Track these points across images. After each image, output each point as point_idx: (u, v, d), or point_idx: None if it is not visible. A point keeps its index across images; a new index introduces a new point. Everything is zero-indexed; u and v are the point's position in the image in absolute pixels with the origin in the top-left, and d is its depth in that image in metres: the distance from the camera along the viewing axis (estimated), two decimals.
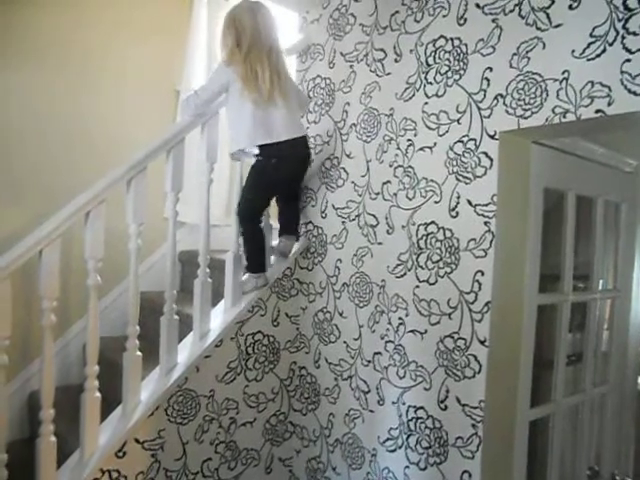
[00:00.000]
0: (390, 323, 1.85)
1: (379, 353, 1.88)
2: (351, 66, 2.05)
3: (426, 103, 1.76)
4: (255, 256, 2.05)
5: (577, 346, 2.23)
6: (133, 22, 2.76)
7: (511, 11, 1.53)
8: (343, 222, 2.04)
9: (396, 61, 1.87)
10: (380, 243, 1.90)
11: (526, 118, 1.49)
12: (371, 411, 1.90)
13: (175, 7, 2.93)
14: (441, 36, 1.72)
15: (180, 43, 2.92)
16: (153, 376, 1.81)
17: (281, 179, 2.03)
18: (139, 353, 1.74)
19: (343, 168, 2.06)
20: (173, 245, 1.84)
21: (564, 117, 1.41)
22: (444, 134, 1.70)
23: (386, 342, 1.86)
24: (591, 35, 1.36)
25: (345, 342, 2.02)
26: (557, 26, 1.43)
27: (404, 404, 1.79)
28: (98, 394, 1.64)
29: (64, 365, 2.48)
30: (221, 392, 1.93)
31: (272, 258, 2.15)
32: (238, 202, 2.05)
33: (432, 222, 1.72)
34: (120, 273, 2.33)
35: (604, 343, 2.36)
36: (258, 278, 2.04)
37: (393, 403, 1.83)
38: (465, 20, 1.65)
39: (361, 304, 1.96)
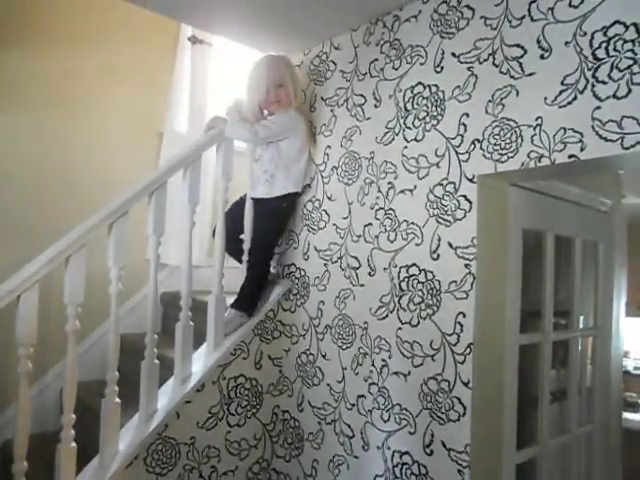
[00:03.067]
0: (373, 365, 1.83)
1: (363, 396, 1.86)
2: (332, 110, 2.09)
3: (405, 147, 1.79)
4: (252, 297, 2.06)
5: (561, 382, 2.24)
6: (118, 67, 2.80)
7: (485, 60, 1.58)
8: (325, 264, 2.05)
9: (375, 106, 1.91)
10: (362, 285, 1.90)
11: (503, 162, 1.53)
12: (356, 457, 1.87)
13: (159, 53, 2.99)
14: (419, 83, 1.77)
15: (164, 87, 2.97)
16: (132, 423, 1.76)
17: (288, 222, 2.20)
18: (118, 400, 1.69)
19: (325, 210, 2.07)
20: (155, 289, 1.82)
21: (539, 161, 1.45)
22: (424, 177, 1.72)
23: (370, 384, 1.84)
24: (562, 83, 1.41)
25: (329, 385, 1.99)
26: (530, 74, 1.48)
27: (389, 449, 1.76)
28: (74, 444, 1.58)
29: (40, 411, 2.40)
30: (202, 439, 1.88)
31: None
32: (253, 244, 2.09)
33: (413, 264, 1.73)
34: (100, 315, 2.30)
35: (588, 378, 2.36)
36: (242, 317, 2.02)
37: (378, 448, 1.79)
38: (442, 68, 1.70)
39: (344, 346, 1.95)
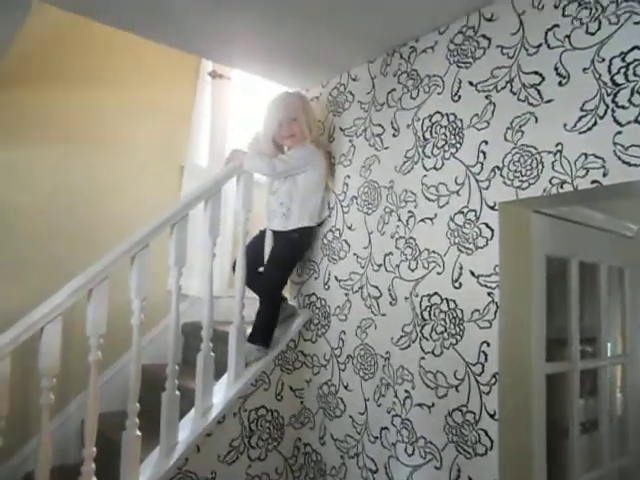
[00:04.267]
0: (396, 396, 1.80)
1: (386, 428, 1.82)
2: (350, 140, 2.10)
3: (425, 175, 1.79)
4: (267, 330, 2.05)
5: (591, 412, 2.17)
6: (139, 102, 2.87)
7: (503, 88, 1.59)
8: (346, 294, 2.03)
9: (394, 136, 1.92)
10: (384, 314, 1.88)
11: (524, 189, 1.51)
12: None
13: (180, 87, 3.06)
14: (437, 112, 1.78)
15: (185, 121, 3.03)
16: (152, 457, 1.75)
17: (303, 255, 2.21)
18: (138, 433, 1.69)
19: (345, 240, 2.07)
20: (176, 320, 1.83)
21: (561, 188, 1.43)
22: (444, 205, 1.72)
23: (393, 416, 1.80)
24: (582, 109, 1.40)
25: (351, 416, 1.96)
26: (548, 101, 1.48)
27: None
28: (94, 479, 1.57)
29: (61, 443, 2.40)
30: (223, 473, 1.85)
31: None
32: (265, 275, 2.08)
33: (435, 293, 1.71)
34: (122, 346, 2.30)
35: (619, 407, 2.29)
36: (259, 350, 2.01)
37: None
38: (459, 97, 1.71)
39: (366, 377, 1.92)
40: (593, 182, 1.37)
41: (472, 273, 1.61)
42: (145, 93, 2.89)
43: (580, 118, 1.40)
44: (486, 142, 1.62)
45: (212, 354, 1.91)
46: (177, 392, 1.80)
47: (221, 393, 1.92)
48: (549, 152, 1.46)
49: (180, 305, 1.88)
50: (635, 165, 1.29)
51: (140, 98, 2.87)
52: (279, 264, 2.10)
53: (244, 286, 2.03)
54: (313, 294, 2.19)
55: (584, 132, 1.39)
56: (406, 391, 1.77)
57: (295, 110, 2.09)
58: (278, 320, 2.09)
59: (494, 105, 1.61)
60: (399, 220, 1.86)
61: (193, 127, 3.04)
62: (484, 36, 1.66)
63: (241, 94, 3.18)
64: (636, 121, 1.30)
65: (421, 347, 1.74)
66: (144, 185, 2.85)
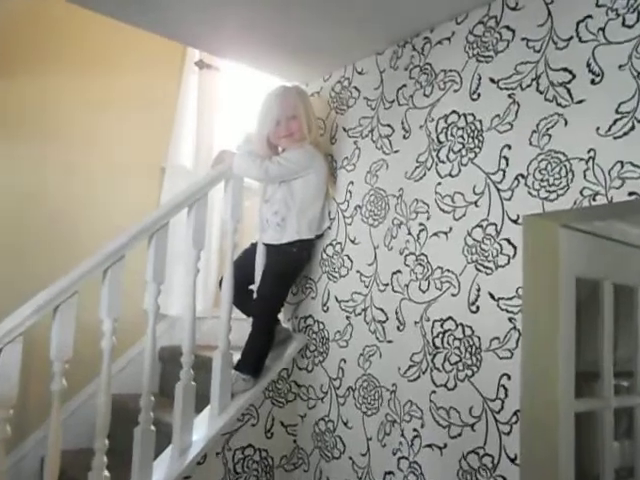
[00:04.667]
0: (403, 435, 1.79)
1: (391, 473, 1.81)
2: (355, 142, 2.12)
3: (439, 183, 1.80)
4: (258, 358, 2.04)
5: (627, 457, 2.16)
6: (116, 94, 2.88)
7: (528, 86, 1.60)
8: (347, 317, 2.03)
9: (404, 137, 1.93)
10: (390, 341, 1.88)
11: (551, 201, 1.52)
12: None
13: (161, 78, 3.06)
14: (453, 111, 1.79)
15: (166, 117, 3.04)
16: None
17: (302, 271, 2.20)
18: (107, 474, 1.68)
19: (347, 255, 2.08)
20: (153, 344, 1.82)
21: (594, 200, 1.44)
22: (460, 218, 1.72)
23: (399, 459, 1.80)
24: (617, 111, 1.41)
25: (351, 458, 1.95)
26: (579, 102, 1.49)
27: None
28: None
29: None
30: None
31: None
32: (258, 296, 2.08)
33: (449, 318, 1.71)
34: (90, 373, 2.30)
35: None
36: (247, 381, 2.00)
37: None
38: (479, 95, 1.72)
39: (369, 412, 1.91)
40: (630, 194, 1.37)
41: (491, 295, 1.61)
42: (122, 84, 2.90)
43: (615, 121, 1.41)
44: (509, 147, 1.63)
45: (193, 383, 1.90)
46: (152, 427, 1.79)
47: (202, 429, 1.91)
48: (580, 159, 1.47)
49: (158, 326, 1.88)
50: None
51: (116, 90, 2.88)
52: (274, 282, 2.10)
53: (231, 306, 2.03)
54: (310, 316, 2.19)
55: (620, 137, 1.40)
56: (415, 430, 1.76)
57: (294, 106, 2.10)
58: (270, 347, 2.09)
59: (518, 105, 1.62)
60: (409, 234, 1.87)
61: (176, 123, 3.05)
62: (507, 27, 1.67)
63: (231, 87, 3.20)
64: None
65: (432, 379, 1.73)
66: (119, 188, 2.86)
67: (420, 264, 1.82)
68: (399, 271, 1.88)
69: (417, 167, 1.88)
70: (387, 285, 1.91)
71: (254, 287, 2.13)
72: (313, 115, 2.16)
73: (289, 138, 2.10)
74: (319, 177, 2.10)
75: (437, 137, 1.83)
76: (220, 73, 3.12)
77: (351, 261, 2.06)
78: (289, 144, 2.11)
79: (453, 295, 1.71)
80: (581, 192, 1.46)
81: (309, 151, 2.09)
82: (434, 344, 1.74)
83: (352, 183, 2.10)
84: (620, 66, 1.42)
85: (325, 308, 2.13)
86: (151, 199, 2.92)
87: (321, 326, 2.14)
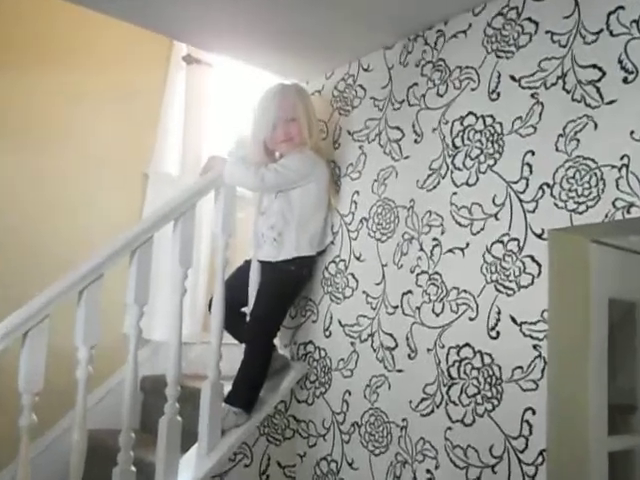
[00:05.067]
0: (415, 478, 1.80)
1: None
2: (360, 147, 2.14)
3: (455, 193, 1.82)
4: (251, 389, 2.05)
5: None
6: (95, 90, 2.91)
7: (553, 84, 1.62)
8: (352, 343, 2.05)
9: (416, 142, 1.95)
10: (400, 371, 1.89)
11: (580, 213, 1.53)
12: None
13: (145, 73, 3.09)
14: (470, 113, 1.81)
15: (150, 117, 3.06)
16: None
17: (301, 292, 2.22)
18: None
19: (352, 274, 2.09)
20: (134, 373, 1.84)
21: (628, 212, 1.45)
22: (478, 232, 1.74)
23: None
24: None
25: None
26: (610, 102, 1.51)
27: None
28: None
29: None
30: None
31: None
32: (252, 319, 2.10)
33: (466, 344, 1.72)
34: (63, 406, 2.31)
35: None
36: (238, 415, 2.01)
37: None
38: (498, 95, 1.75)
39: (377, 451, 1.92)
40: None
41: (513, 319, 1.63)
42: (101, 80, 2.93)
43: None
44: (532, 152, 1.65)
45: (179, 418, 1.91)
46: (132, 467, 1.80)
47: (189, 470, 1.92)
48: (612, 166, 1.48)
49: (139, 353, 1.89)
50: None
51: (95, 86, 2.91)
52: (270, 303, 2.11)
53: (222, 330, 2.05)
54: (310, 342, 2.21)
55: None
56: (428, 471, 1.77)
57: (293, 107, 2.12)
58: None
59: (542, 106, 1.64)
60: (421, 250, 1.88)
61: (161, 125, 3.08)
62: (530, 19, 1.70)
63: (224, 85, 3.23)
64: None
65: (447, 414, 1.74)
66: (97, 197, 2.88)
67: (434, 284, 1.83)
68: (410, 292, 1.90)
69: (430, 175, 1.90)
70: (396, 307, 1.93)
71: (247, 309, 2.14)
72: (314, 117, 2.18)
73: (287, 143, 2.12)
74: (320, 186, 2.12)
75: (452, 141, 1.85)
76: (211, 69, 3.14)
77: (356, 280, 2.07)
78: (288, 149, 2.13)
79: (470, 319, 1.72)
80: (613, 203, 1.47)
81: (310, 157, 2.11)
82: (449, 374, 1.75)
83: (357, 193, 2.12)
84: None
85: (327, 333, 2.15)
86: (133, 210, 2.94)
87: (323, 353, 2.15)
